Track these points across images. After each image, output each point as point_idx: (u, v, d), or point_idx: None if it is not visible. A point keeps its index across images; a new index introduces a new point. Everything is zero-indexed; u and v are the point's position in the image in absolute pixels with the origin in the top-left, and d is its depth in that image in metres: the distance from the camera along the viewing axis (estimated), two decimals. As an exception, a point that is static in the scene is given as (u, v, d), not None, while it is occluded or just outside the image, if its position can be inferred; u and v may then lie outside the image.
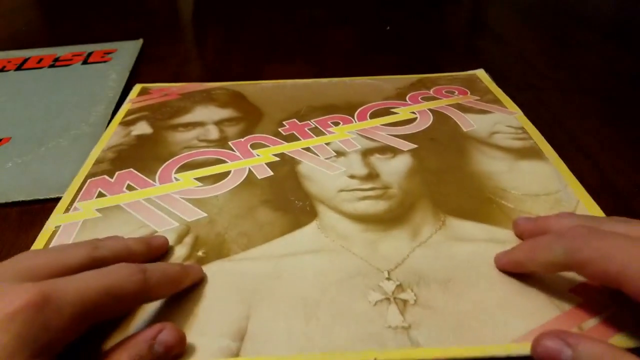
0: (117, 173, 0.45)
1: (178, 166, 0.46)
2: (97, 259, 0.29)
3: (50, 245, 0.37)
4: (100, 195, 0.42)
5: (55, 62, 0.72)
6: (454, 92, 0.59)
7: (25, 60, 0.73)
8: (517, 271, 0.33)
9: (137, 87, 0.62)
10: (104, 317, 0.27)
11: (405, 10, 0.96)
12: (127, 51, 0.75)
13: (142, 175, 0.45)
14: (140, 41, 0.79)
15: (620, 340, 0.29)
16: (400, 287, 0.32)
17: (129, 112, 0.56)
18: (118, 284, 0.27)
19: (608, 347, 0.25)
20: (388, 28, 0.85)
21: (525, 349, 0.28)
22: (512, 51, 0.75)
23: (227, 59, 0.73)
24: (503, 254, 0.34)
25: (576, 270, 0.28)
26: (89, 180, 0.44)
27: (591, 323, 0.30)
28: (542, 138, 0.49)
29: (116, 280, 0.27)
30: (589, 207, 0.40)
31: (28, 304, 0.23)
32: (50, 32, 0.89)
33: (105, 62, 0.72)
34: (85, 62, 0.72)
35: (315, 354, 0.28)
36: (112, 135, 0.51)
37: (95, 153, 0.48)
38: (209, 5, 1.03)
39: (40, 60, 0.73)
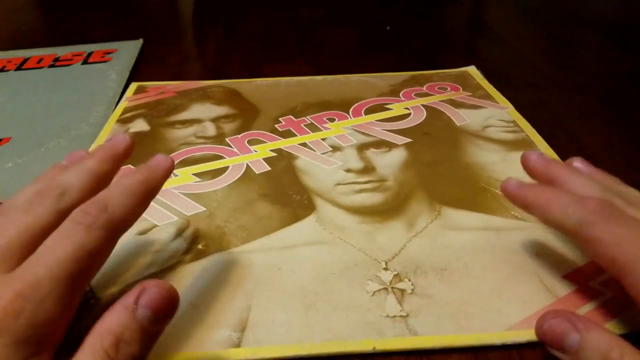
0: (115, 170, 0.45)
1: (176, 162, 0.46)
2: (66, 211, 0.26)
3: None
4: (100, 191, 0.43)
5: (55, 62, 0.72)
6: (447, 89, 0.59)
7: (26, 60, 0.73)
8: (521, 208, 0.31)
9: (133, 86, 0.62)
10: (88, 278, 0.25)
11: (405, 10, 0.96)
12: (127, 51, 0.75)
13: (140, 172, 0.45)
14: (140, 41, 0.79)
15: (613, 326, 0.30)
16: (397, 277, 0.33)
17: (126, 110, 0.56)
18: (84, 241, 0.24)
19: (617, 340, 0.24)
20: (388, 28, 0.85)
21: (520, 337, 0.29)
22: (512, 51, 0.76)
23: (227, 59, 0.73)
24: (516, 185, 0.31)
25: (582, 244, 0.28)
26: (87, 177, 0.45)
27: (585, 309, 0.31)
28: (534, 131, 0.50)
29: (81, 238, 0.24)
30: None
31: (5, 311, 0.21)
32: (50, 32, 0.89)
33: (105, 62, 0.71)
34: (85, 62, 0.72)
35: (315, 344, 0.29)
36: (109, 133, 0.52)
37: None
38: (209, 5, 1.03)
39: (41, 60, 0.73)
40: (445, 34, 0.88)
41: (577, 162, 0.34)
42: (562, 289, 0.32)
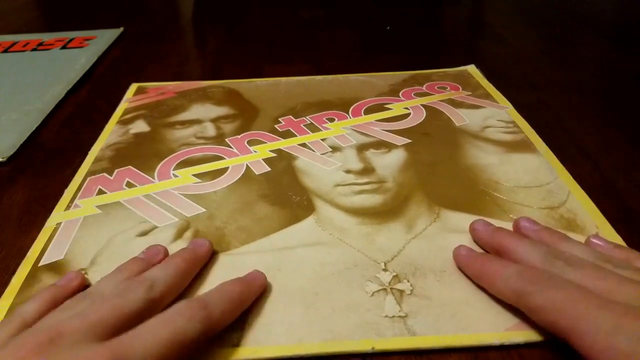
0: (116, 171, 0.46)
1: (176, 163, 0.46)
2: (155, 300, 0.29)
3: (53, 240, 0.38)
4: (100, 192, 0.43)
5: (38, 47, 0.77)
6: (446, 88, 0.59)
7: (14, 44, 0.79)
8: (470, 276, 0.33)
9: (133, 87, 0.62)
10: None
11: (405, 11, 0.96)
12: (104, 38, 0.79)
13: (141, 173, 0.45)
14: (120, 29, 0.83)
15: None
16: (396, 278, 0.33)
17: (126, 111, 0.56)
18: (182, 330, 0.26)
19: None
20: (388, 28, 0.85)
21: (519, 337, 0.29)
22: (512, 51, 0.76)
23: (227, 59, 0.74)
24: (466, 254, 0.34)
25: (528, 313, 0.29)
26: (88, 178, 0.45)
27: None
28: (533, 131, 0.50)
29: (180, 326, 0.26)
30: (579, 197, 0.41)
31: None
32: (49, 32, 0.89)
33: (82, 47, 0.76)
34: (64, 47, 0.76)
35: (314, 343, 0.29)
36: (110, 134, 0.52)
37: (94, 151, 0.49)
38: (209, 5, 1.03)
39: (27, 44, 0.78)
40: (445, 34, 0.88)
41: (524, 222, 0.36)
42: None
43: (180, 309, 0.27)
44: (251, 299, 0.32)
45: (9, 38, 0.81)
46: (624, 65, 0.70)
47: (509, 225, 0.38)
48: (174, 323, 0.26)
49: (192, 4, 1.07)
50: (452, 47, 0.80)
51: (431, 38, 0.83)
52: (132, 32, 0.85)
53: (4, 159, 0.49)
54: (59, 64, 0.70)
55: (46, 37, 0.81)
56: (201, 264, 0.34)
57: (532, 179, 0.43)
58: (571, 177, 0.43)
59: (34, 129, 0.54)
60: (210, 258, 0.35)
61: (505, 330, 0.30)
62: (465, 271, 0.34)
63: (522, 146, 0.48)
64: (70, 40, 0.79)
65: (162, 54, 0.76)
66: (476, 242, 0.36)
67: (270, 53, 0.76)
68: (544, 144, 0.48)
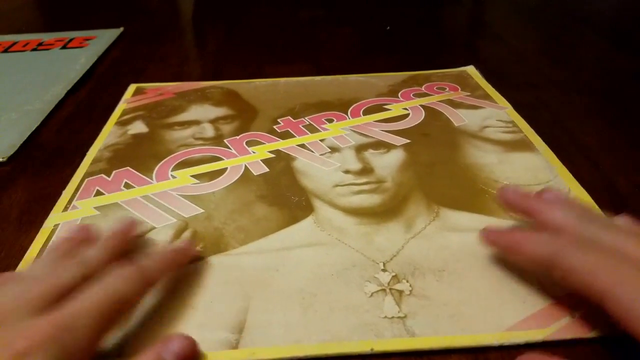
0: (114, 172, 0.46)
1: (175, 164, 0.46)
2: (89, 276, 0.29)
3: (50, 244, 0.38)
4: (99, 193, 0.43)
5: (38, 47, 0.77)
6: (445, 89, 0.59)
7: (14, 43, 0.79)
8: (502, 253, 0.33)
9: (132, 87, 0.62)
10: (116, 324, 0.28)
11: (405, 10, 0.96)
12: (104, 38, 0.79)
13: (139, 174, 0.45)
14: (120, 29, 0.83)
15: (613, 327, 0.29)
16: (395, 278, 0.33)
17: (125, 112, 0.56)
18: (121, 290, 0.28)
19: None
20: (388, 28, 0.85)
21: (518, 337, 0.29)
22: (512, 51, 0.75)
23: (227, 59, 0.74)
24: (494, 233, 0.33)
25: (559, 275, 0.28)
26: (86, 180, 0.45)
27: (582, 310, 0.31)
28: (532, 131, 0.50)
29: (117, 288, 0.28)
30: (578, 194, 0.41)
31: (46, 339, 0.24)
32: (49, 32, 0.89)
33: (82, 47, 0.76)
34: (64, 47, 0.76)
35: (312, 345, 0.29)
36: (108, 135, 0.52)
37: (92, 152, 0.49)
38: (209, 5, 1.03)
39: (27, 44, 0.78)
40: (445, 34, 0.88)
41: (549, 194, 0.34)
42: (560, 290, 0.32)
43: (114, 271, 0.29)
44: (183, 261, 0.34)
45: (9, 38, 0.81)
46: (624, 65, 0.70)
47: (510, 224, 0.38)
48: (110, 286, 0.28)
49: (192, 4, 1.07)
50: (452, 47, 0.80)
51: (431, 38, 0.83)
52: (132, 32, 0.85)
53: (4, 159, 0.48)
54: (59, 64, 0.70)
55: (46, 37, 0.81)
56: (130, 239, 0.35)
57: (531, 178, 0.43)
58: (571, 176, 0.43)
59: (34, 129, 0.54)
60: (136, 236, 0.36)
61: (505, 330, 0.29)
62: (493, 245, 0.33)
63: (522, 145, 0.48)
64: (70, 40, 0.79)
65: (162, 54, 0.76)
66: (507, 206, 0.35)
67: (270, 53, 0.76)
68: (543, 143, 0.48)
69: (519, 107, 0.54)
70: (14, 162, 0.49)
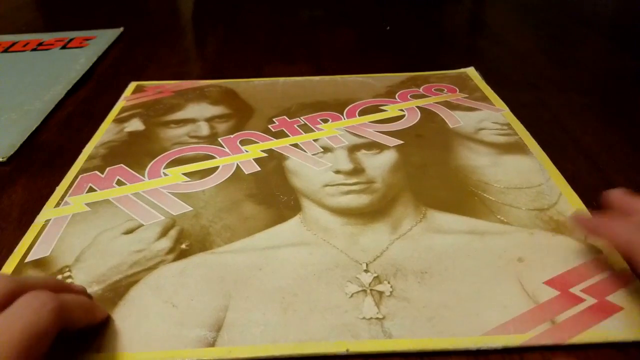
0: (107, 169, 0.46)
1: (167, 162, 0.46)
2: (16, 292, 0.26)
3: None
4: (91, 190, 0.43)
5: (38, 47, 0.77)
6: (443, 90, 0.59)
7: (14, 43, 0.79)
8: (588, 235, 0.36)
9: (132, 85, 0.63)
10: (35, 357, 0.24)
11: (405, 10, 0.96)
12: (104, 38, 0.80)
13: (131, 171, 0.45)
14: (120, 29, 0.83)
15: (592, 334, 0.29)
16: (377, 279, 0.33)
17: (123, 110, 0.57)
18: (34, 322, 0.24)
19: None
20: (388, 28, 0.85)
21: (496, 342, 0.29)
22: (512, 51, 0.75)
23: (227, 59, 0.74)
24: (583, 219, 0.35)
25: (635, 266, 0.29)
26: (80, 176, 0.45)
27: (565, 316, 0.31)
28: (528, 134, 0.50)
29: (31, 319, 0.24)
30: (570, 199, 0.40)
31: None
32: (49, 32, 0.90)
33: (82, 47, 0.76)
34: (64, 47, 0.77)
35: (289, 344, 0.29)
36: (105, 132, 0.52)
37: (88, 149, 0.49)
38: (209, 5, 1.03)
39: (27, 44, 0.79)
40: (445, 34, 0.88)
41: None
42: (543, 295, 0.32)
43: (27, 301, 0.25)
44: (100, 315, 0.30)
45: (9, 38, 0.82)
46: (624, 65, 0.69)
47: (497, 227, 0.37)
48: (24, 317, 0.24)
49: (192, 4, 1.07)
50: (452, 47, 0.80)
51: (431, 38, 0.82)
52: (132, 32, 0.85)
53: (4, 159, 0.49)
54: (59, 64, 0.71)
55: (46, 37, 0.82)
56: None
57: (523, 181, 0.43)
58: (563, 179, 0.43)
59: (34, 129, 0.54)
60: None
61: (483, 334, 0.29)
62: (580, 227, 0.35)
63: (515, 148, 0.47)
64: (70, 40, 0.80)
65: (162, 54, 0.76)
66: (608, 205, 0.35)
67: (270, 53, 0.76)
68: (538, 146, 0.47)
69: (519, 107, 0.54)
70: (14, 162, 0.49)
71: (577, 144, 0.49)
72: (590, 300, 0.31)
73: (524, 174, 0.44)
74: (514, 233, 0.37)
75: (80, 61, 0.71)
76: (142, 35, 0.82)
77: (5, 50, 0.77)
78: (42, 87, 0.63)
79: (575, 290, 0.32)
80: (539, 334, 0.29)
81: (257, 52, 0.76)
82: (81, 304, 0.29)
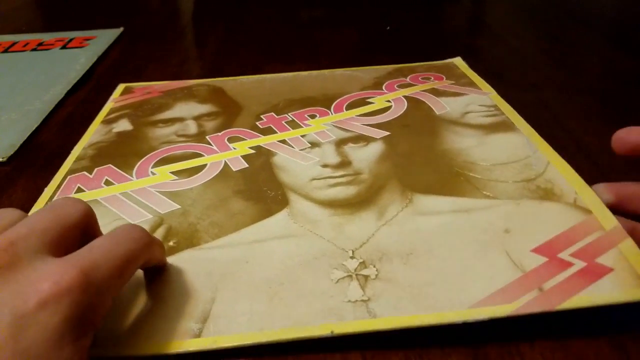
0: (96, 169, 0.46)
1: (155, 161, 0.47)
2: (91, 215, 0.29)
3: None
4: (79, 190, 0.43)
5: (38, 47, 0.78)
6: (430, 78, 0.59)
7: (14, 43, 0.80)
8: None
9: (120, 87, 0.63)
10: (125, 284, 0.27)
11: (405, 10, 0.96)
12: (104, 38, 0.80)
13: (120, 171, 0.46)
14: (120, 29, 0.84)
15: (582, 298, 0.29)
16: (363, 264, 0.33)
17: (111, 111, 0.57)
18: (133, 251, 0.27)
19: None
20: (388, 28, 0.85)
21: (482, 314, 0.29)
22: (512, 51, 0.75)
23: (227, 59, 0.74)
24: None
25: None
26: (68, 177, 0.45)
27: (554, 282, 0.30)
28: (516, 113, 0.50)
29: (131, 247, 0.27)
30: (558, 166, 0.41)
31: (73, 285, 0.23)
32: (49, 32, 0.90)
33: (82, 47, 0.77)
34: (64, 47, 0.77)
35: (274, 330, 0.29)
36: (93, 133, 0.52)
37: (77, 151, 0.49)
38: (209, 5, 1.04)
39: (27, 44, 0.79)
40: (445, 33, 0.88)
41: None
42: (530, 263, 0.32)
43: (129, 230, 0.28)
44: (164, 260, 0.34)
45: (9, 38, 0.82)
46: (624, 65, 0.69)
47: (483, 203, 0.38)
48: (126, 244, 0.27)
49: (192, 3, 1.08)
50: (452, 46, 0.80)
51: (431, 38, 0.83)
52: (132, 32, 0.86)
53: (4, 159, 0.49)
54: (59, 64, 0.71)
55: (46, 37, 0.82)
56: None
57: (510, 155, 0.43)
58: (551, 149, 0.43)
59: (34, 129, 0.55)
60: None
61: (468, 307, 0.29)
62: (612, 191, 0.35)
63: (502, 127, 0.47)
64: (70, 40, 0.80)
65: (162, 54, 0.77)
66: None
67: (270, 53, 0.76)
68: (526, 124, 0.47)
69: (519, 107, 0.54)
70: (14, 162, 0.50)
71: (578, 144, 0.49)
72: (579, 264, 0.31)
73: (511, 150, 0.44)
74: (500, 206, 0.37)
75: (80, 61, 0.71)
76: (142, 35, 0.82)
77: (5, 50, 0.77)
78: (42, 87, 0.64)
79: (564, 255, 0.32)
80: (526, 302, 0.29)
81: (257, 52, 0.76)
82: (161, 244, 0.33)
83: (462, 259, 0.33)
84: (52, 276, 0.23)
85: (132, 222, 0.39)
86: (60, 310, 0.22)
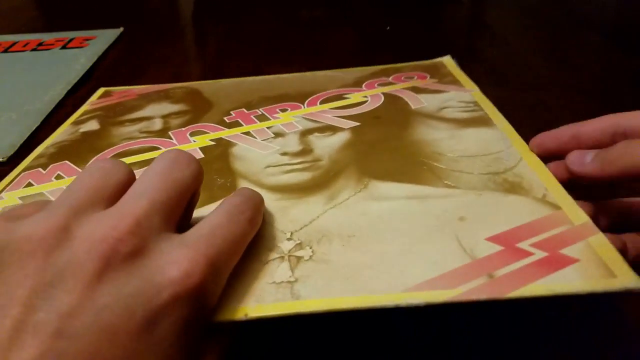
0: (51, 165, 0.44)
1: (110, 155, 0.45)
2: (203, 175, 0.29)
3: None
4: (29, 185, 0.42)
5: (38, 47, 0.78)
6: (413, 77, 0.56)
7: (14, 43, 0.80)
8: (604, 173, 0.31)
9: (100, 91, 0.62)
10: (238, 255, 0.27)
11: (405, 11, 0.95)
12: (104, 38, 0.80)
13: (74, 166, 0.44)
14: (120, 29, 0.84)
15: (539, 287, 0.26)
16: (299, 246, 0.30)
17: (84, 113, 0.55)
18: (245, 232, 0.27)
19: None
20: (388, 28, 0.84)
21: (418, 298, 0.25)
22: (512, 51, 0.74)
23: (227, 59, 0.73)
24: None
25: None
26: (22, 174, 0.44)
27: (506, 270, 0.27)
28: (496, 110, 0.46)
29: (244, 228, 0.27)
30: (530, 162, 0.37)
31: (204, 280, 0.22)
32: (49, 32, 0.91)
33: (82, 47, 0.77)
34: (64, 47, 0.77)
35: None
36: (60, 134, 0.51)
37: (38, 150, 0.48)
38: (209, 5, 1.04)
39: (27, 44, 0.79)
40: (445, 34, 0.86)
41: None
42: (483, 251, 0.28)
43: (241, 210, 0.27)
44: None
45: (9, 38, 0.83)
46: (624, 65, 0.67)
47: (441, 191, 0.34)
48: (243, 226, 0.27)
49: (192, 3, 1.08)
50: (452, 47, 0.77)
51: (431, 38, 0.81)
52: (132, 32, 0.86)
53: (4, 159, 0.49)
54: (59, 64, 0.71)
55: (46, 37, 0.83)
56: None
57: (481, 149, 0.39)
58: (525, 144, 0.39)
59: (34, 129, 0.54)
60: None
61: (403, 291, 0.26)
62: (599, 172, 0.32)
63: (478, 122, 0.44)
64: (70, 40, 0.80)
65: (162, 54, 0.76)
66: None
67: (270, 53, 0.75)
68: (505, 120, 0.44)
69: (519, 107, 0.52)
70: (14, 162, 0.49)
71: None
72: (539, 254, 0.28)
73: (483, 143, 0.40)
74: (460, 196, 0.34)
75: (80, 61, 0.71)
76: (142, 35, 0.82)
77: (5, 50, 0.77)
78: (42, 87, 0.63)
79: (524, 245, 0.29)
80: (471, 288, 0.26)
81: (257, 53, 0.75)
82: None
83: (406, 243, 0.29)
84: (182, 264, 0.22)
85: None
86: (191, 304, 0.22)
